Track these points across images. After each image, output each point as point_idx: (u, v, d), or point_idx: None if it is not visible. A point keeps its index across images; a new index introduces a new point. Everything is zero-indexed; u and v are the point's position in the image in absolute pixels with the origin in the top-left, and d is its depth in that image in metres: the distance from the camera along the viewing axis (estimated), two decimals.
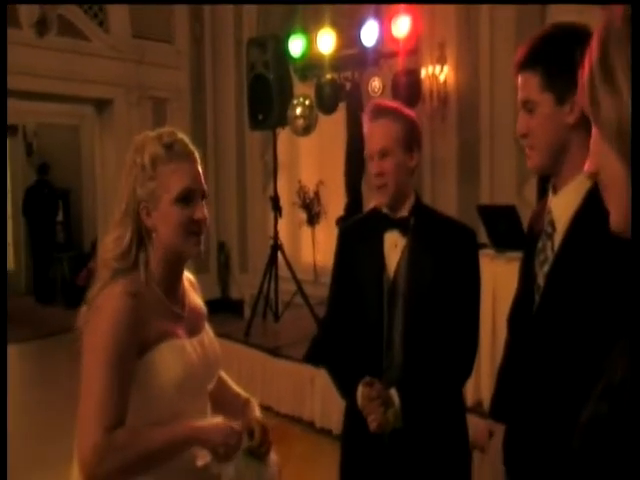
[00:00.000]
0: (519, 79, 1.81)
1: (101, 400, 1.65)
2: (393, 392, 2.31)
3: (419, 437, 2.38)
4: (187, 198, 1.86)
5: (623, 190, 0.84)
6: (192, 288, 2.09)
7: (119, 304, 1.73)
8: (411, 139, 2.43)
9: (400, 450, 2.39)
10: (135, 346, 1.73)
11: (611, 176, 0.87)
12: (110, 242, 1.84)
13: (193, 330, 1.94)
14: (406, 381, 2.36)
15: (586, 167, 0.93)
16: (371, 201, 2.64)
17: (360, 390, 2.32)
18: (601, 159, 0.88)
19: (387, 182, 2.40)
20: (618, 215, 0.87)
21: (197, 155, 1.92)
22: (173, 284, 1.93)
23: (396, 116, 2.43)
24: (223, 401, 2.07)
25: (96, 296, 1.78)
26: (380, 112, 2.44)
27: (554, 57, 1.71)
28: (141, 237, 1.85)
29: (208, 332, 2.03)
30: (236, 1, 9.46)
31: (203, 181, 1.93)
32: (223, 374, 2.16)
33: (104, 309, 1.74)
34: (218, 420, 1.84)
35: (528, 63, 1.76)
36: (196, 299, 2.07)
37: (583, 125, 1.61)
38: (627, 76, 0.80)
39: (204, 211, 1.91)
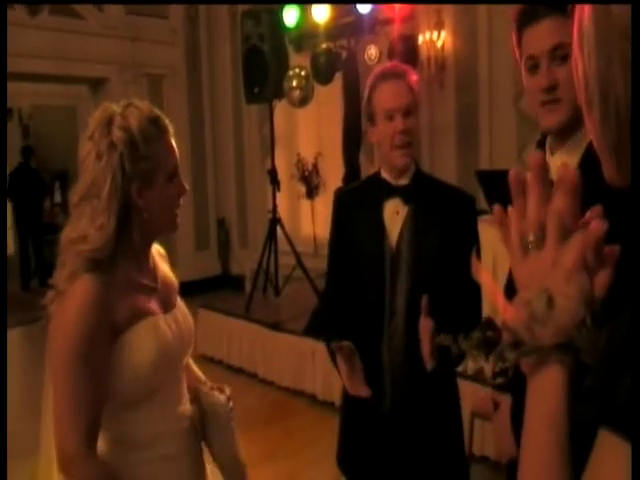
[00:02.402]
0: (540, 27, 1.68)
1: (74, 399, 1.61)
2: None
3: (417, 404, 2.36)
4: (175, 173, 1.82)
5: (596, 138, 0.85)
6: (162, 259, 2.02)
7: (88, 296, 1.63)
8: (419, 104, 2.44)
9: (399, 419, 2.38)
10: (106, 333, 1.66)
11: (589, 124, 0.86)
12: (91, 231, 1.68)
13: (166, 304, 1.89)
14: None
15: None
16: (369, 171, 2.58)
17: None
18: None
19: (412, 140, 2.37)
20: (603, 165, 0.86)
21: None
22: (144, 258, 1.87)
23: (410, 79, 2.41)
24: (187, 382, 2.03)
25: (65, 289, 1.67)
26: (396, 73, 2.42)
27: None
28: (124, 222, 1.73)
29: (181, 306, 1.97)
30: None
31: None
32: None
33: (71, 299, 1.64)
34: None
35: (553, 6, 1.64)
36: (167, 271, 2.00)
37: None
38: (597, 41, 0.80)
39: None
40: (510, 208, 0.88)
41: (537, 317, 0.79)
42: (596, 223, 0.81)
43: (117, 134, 1.69)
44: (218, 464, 1.97)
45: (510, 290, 1.96)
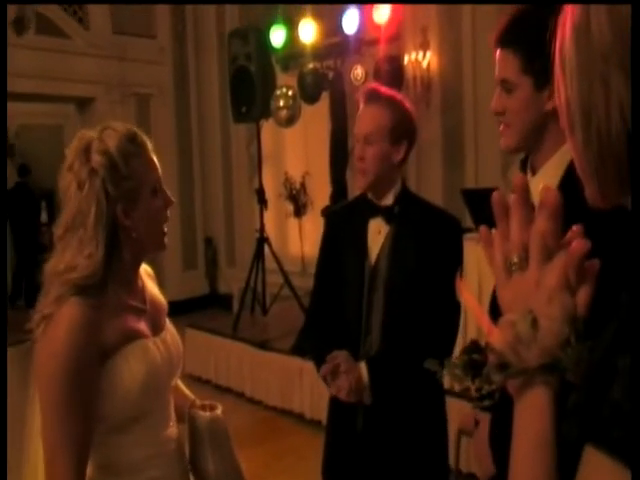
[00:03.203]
0: (497, 54, 1.71)
1: (63, 424, 1.56)
2: (362, 365, 2.28)
3: (393, 422, 2.36)
4: (159, 187, 1.80)
5: (578, 161, 0.85)
6: (150, 279, 1.99)
7: (76, 319, 1.59)
8: (401, 131, 2.37)
9: (372, 436, 2.38)
10: (95, 357, 1.62)
11: (571, 147, 0.86)
12: (80, 261, 1.64)
13: (156, 326, 1.86)
14: (377, 358, 2.34)
15: None
16: (356, 190, 2.60)
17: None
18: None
19: (366, 168, 2.36)
20: (585, 187, 0.86)
21: None
22: (133, 279, 1.84)
23: (389, 103, 2.37)
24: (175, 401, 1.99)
25: (52, 313, 1.62)
26: (373, 97, 2.38)
27: (534, 38, 1.52)
28: (113, 245, 1.70)
29: (170, 328, 1.94)
30: (226, 1, 9.38)
31: None
32: None
33: (59, 322, 1.60)
34: None
35: (507, 41, 1.66)
36: (156, 292, 1.97)
37: None
38: (577, 62, 0.80)
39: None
40: (494, 230, 0.90)
41: (522, 339, 0.80)
42: (577, 243, 0.81)
43: (96, 159, 1.67)
44: None
45: (494, 310, 1.96)
